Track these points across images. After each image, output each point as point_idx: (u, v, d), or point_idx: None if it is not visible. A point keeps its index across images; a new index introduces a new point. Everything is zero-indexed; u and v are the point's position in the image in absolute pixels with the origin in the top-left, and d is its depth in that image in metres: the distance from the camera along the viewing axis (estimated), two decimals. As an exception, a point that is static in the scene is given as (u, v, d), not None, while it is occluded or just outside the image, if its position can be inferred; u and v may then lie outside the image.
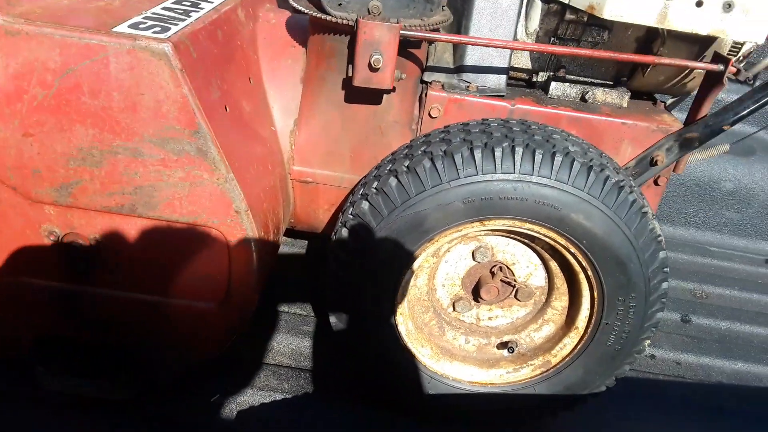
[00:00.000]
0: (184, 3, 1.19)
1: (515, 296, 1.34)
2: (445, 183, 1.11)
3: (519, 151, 1.10)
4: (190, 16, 1.12)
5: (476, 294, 1.34)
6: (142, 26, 1.02)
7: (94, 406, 1.34)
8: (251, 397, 1.42)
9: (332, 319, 1.30)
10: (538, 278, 1.33)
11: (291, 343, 1.58)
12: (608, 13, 1.17)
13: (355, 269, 1.22)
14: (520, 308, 1.38)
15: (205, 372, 1.41)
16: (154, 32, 1.00)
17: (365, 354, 1.32)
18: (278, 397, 1.42)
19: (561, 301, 1.34)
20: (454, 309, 1.38)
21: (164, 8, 1.13)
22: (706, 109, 1.33)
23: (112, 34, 0.98)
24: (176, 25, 1.05)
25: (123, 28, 1.00)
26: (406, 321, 1.32)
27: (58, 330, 1.29)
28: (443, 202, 1.12)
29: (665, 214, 2.47)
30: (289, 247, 1.94)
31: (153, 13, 1.09)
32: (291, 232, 1.63)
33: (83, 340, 1.30)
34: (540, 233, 1.17)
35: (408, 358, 1.33)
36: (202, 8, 1.18)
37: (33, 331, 1.29)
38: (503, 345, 1.37)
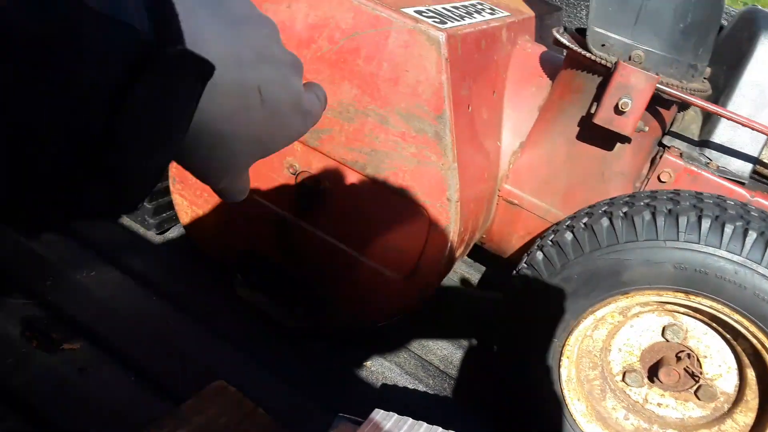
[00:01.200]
0: (461, 9, 1.30)
1: (695, 392, 1.22)
2: (661, 240, 1.07)
3: (752, 234, 1.02)
4: (464, 20, 1.23)
5: (652, 373, 1.24)
6: (424, 14, 1.14)
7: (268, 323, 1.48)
8: (398, 377, 1.48)
9: (496, 338, 1.30)
10: (728, 383, 1.20)
11: (444, 348, 1.60)
12: None
13: (537, 294, 1.22)
14: (696, 407, 1.25)
15: (366, 332, 1.50)
16: (434, 22, 1.12)
17: (518, 385, 1.30)
18: (421, 388, 1.46)
19: (746, 417, 1.18)
20: (623, 379, 1.30)
21: (444, 7, 1.26)
22: None
23: (400, 12, 1.11)
24: (452, 22, 1.17)
25: (409, 11, 1.14)
26: (570, 367, 1.27)
27: (265, 250, 1.46)
28: (652, 259, 1.08)
29: None
30: (465, 266, 1.98)
31: (435, 8, 1.22)
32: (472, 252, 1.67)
33: (281, 266, 1.45)
34: (748, 331, 1.06)
35: (559, 406, 1.28)
36: (475, 18, 1.29)
37: (245, 244, 1.48)
38: (663, 438, 1.25)
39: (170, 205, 1.58)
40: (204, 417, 0.96)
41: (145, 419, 0.97)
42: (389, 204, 1.27)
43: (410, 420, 0.98)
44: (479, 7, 1.37)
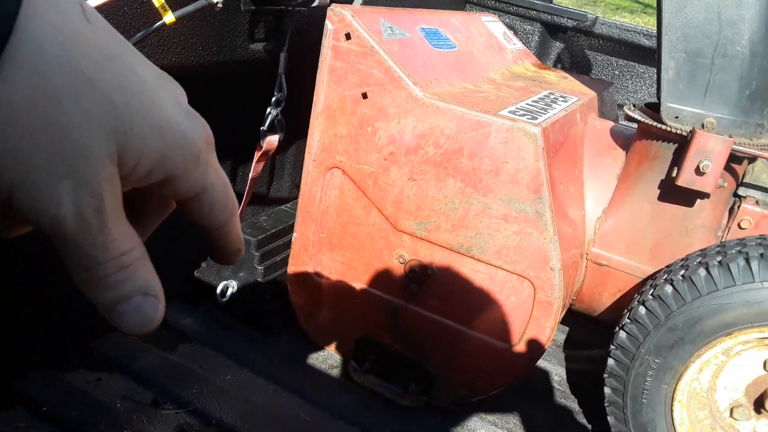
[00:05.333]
0: (540, 102, 1.50)
1: (808, 421, 1.31)
2: (757, 282, 1.20)
3: None
4: (548, 112, 1.41)
5: (759, 405, 1.34)
6: (518, 113, 1.34)
7: (385, 405, 1.61)
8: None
9: (608, 382, 1.41)
10: (841, 408, 1.28)
11: (548, 409, 1.71)
12: None
13: (644, 346, 1.34)
14: (812, 435, 1.33)
15: (478, 404, 1.61)
16: (527, 118, 1.31)
17: (632, 426, 1.40)
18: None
19: None
20: (731, 415, 1.39)
21: (528, 103, 1.45)
22: None
23: (499, 115, 1.31)
24: (541, 115, 1.36)
25: (504, 112, 1.33)
26: (681, 410, 1.37)
27: (377, 336, 1.61)
28: (751, 300, 1.20)
29: None
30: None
31: (523, 105, 1.42)
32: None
33: (394, 349, 1.60)
34: None
35: (677, 449, 1.37)
36: (556, 107, 1.48)
37: (359, 332, 1.64)
38: (782, 467, 1.33)
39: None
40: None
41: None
42: (495, 279, 1.42)
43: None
44: (553, 97, 1.57)
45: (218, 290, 1.75)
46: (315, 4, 1.52)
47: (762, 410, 1.33)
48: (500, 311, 1.44)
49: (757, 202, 1.43)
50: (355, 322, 1.63)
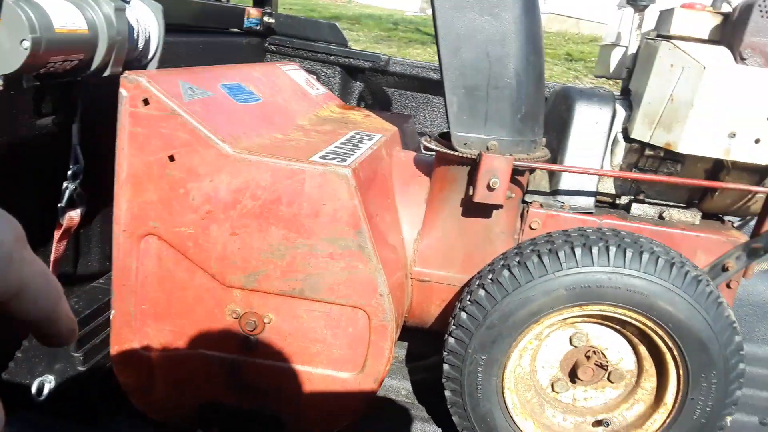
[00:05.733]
0: (348, 143, 1.59)
1: (608, 378, 1.55)
2: (551, 273, 1.40)
3: (612, 249, 1.39)
4: (356, 152, 1.51)
5: (573, 376, 1.56)
6: (328, 157, 1.41)
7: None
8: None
9: (447, 386, 1.54)
10: (629, 362, 1.55)
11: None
12: (683, 149, 1.49)
13: (470, 346, 1.48)
14: (613, 390, 1.58)
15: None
16: (338, 161, 1.39)
17: (474, 420, 1.54)
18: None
19: (650, 382, 1.53)
20: (552, 389, 1.59)
21: (337, 146, 1.54)
22: (768, 225, 1.60)
23: (311, 161, 1.37)
24: (350, 156, 1.45)
25: (316, 158, 1.40)
26: (512, 395, 1.55)
27: (222, 397, 1.56)
28: (549, 289, 1.40)
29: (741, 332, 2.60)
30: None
31: (332, 148, 1.50)
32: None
33: (241, 406, 1.57)
34: (631, 318, 1.41)
35: (512, 430, 1.54)
36: (362, 146, 1.58)
37: (201, 398, 1.57)
38: (598, 423, 1.56)
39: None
40: None
41: None
42: (331, 315, 1.47)
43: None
44: (359, 136, 1.67)
45: (33, 389, 1.57)
46: (106, 73, 1.45)
47: (576, 379, 1.55)
48: (340, 344, 1.49)
49: (541, 205, 1.67)
50: (195, 389, 1.56)
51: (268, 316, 1.48)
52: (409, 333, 1.96)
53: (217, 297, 1.47)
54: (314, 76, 2.40)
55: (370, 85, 2.79)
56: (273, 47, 2.67)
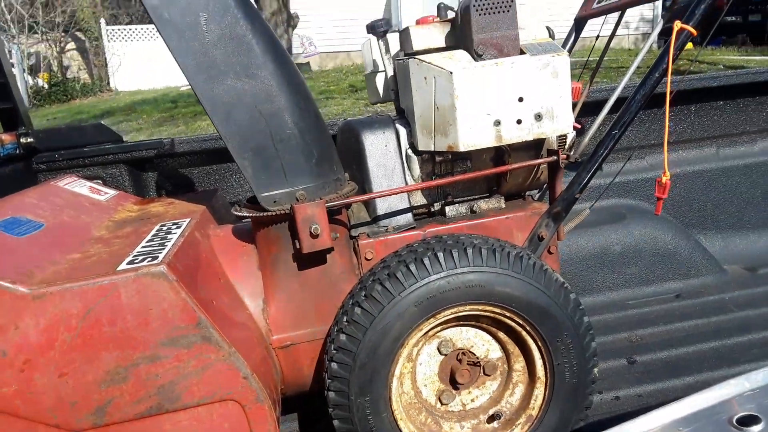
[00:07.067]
0: (155, 239, 1.51)
1: (484, 373, 1.61)
2: (397, 296, 1.44)
3: (440, 254, 1.46)
4: (166, 245, 1.44)
5: (454, 383, 1.60)
6: (137, 260, 1.33)
7: None
8: None
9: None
10: (495, 351, 1.62)
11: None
12: (463, 147, 1.62)
13: (351, 393, 1.47)
14: (492, 382, 1.64)
15: None
16: (149, 261, 1.32)
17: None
18: None
19: (519, 362, 1.62)
20: (441, 403, 1.62)
21: (144, 246, 1.45)
22: (559, 189, 1.78)
23: (119, 271, 1.28)
24: (161, 252, 1.37)
25: (124, 265, 1.31)
26: (407, 424, 1.54)
27: None
28: (400, 311, 1.44)
29: (580, 288, 2.87)
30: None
31: (139, 250, 1.41)
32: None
33: None
34: (480, 311, 1.49)
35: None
36: (171, 237, 1.51)
37: None
38: (492, 418, 1.61)
39: None
40: None
41: None
42: (201, 418, 1.37)
43: None
44: (166, 228, 1.60)
45: None
46: None
47: (458, 385, 1.59)
48: (220, 443, 1.40)
49: (368, 235, 1.71)
50: None
51: (133, 447, 1.34)
52: (294, 402, 1.89)
53: (70, 448, 1.31)
54: (99, 182, 2.26)
55: (164, 171, 2.68)
56: (43, 166, 2.44)
